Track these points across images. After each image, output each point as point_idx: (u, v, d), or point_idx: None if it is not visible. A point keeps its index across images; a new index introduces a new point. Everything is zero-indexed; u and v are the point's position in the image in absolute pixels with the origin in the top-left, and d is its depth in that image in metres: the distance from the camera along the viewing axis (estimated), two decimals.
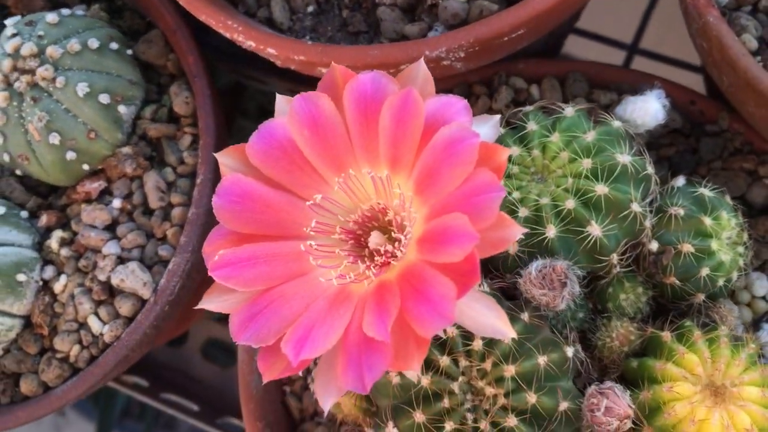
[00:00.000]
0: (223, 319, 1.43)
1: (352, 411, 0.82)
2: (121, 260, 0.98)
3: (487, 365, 0.72)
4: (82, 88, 0.96)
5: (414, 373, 0.67)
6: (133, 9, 1.11)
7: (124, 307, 0.97)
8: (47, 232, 1.02)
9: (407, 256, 0.65)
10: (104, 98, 0.98)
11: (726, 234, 0.80)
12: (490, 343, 0.73)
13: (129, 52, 1.04)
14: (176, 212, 0.99)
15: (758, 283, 0.88)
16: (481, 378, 0.73)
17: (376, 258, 0.66)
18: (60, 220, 1.03)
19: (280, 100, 0.72)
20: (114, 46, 1.02)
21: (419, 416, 0.71)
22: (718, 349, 0.74)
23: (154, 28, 1.08)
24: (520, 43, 0.93)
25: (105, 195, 1.02)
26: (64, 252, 1.00)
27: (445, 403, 0.72)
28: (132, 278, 0.96)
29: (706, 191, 0.81)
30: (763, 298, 0.89)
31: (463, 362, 0.73)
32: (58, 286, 0.99)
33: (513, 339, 0.72)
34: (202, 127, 1.00)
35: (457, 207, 0.61)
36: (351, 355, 0.61)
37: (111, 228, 1.00)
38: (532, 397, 0.71)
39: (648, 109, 0.80)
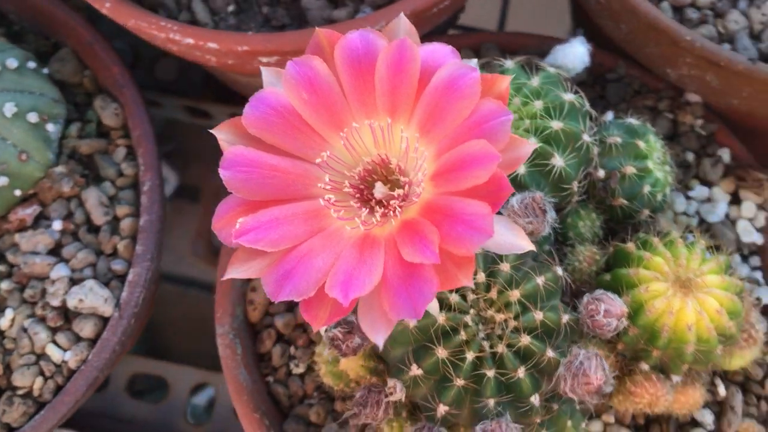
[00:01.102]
0: (148, 352, 1.38)
1: (359, 373, 0.84)
2: (73, 282, 0.94)
3: (493, 294, 0.78)
4: (9, 109, 0.92)
5: (435, 309, 0.71)
6: (34, 32, 1.07)
7: (86, 328, 0.93)
8: None
9: (423, 195, 0.69)
10: (32, 117, 0.94)
11: (656, 155, 0.91)
12: (492, 273, 0.78)
13: (45, 71, 1.01)
14: (125, 224, 0.97)
15: (678, 201, 1.00)
16: (490, 307, 0.78)
17: (392, 202, 0.69)
18: None
19: (266, 72, 0.74)
20: (32, 65, 0.99)
21: (441, 351, 0.75)
22: (676, 249, 0.84)
23: (60, 48, 1.05)
24: (442, 16, 1.00)
25: (40, 220, 0.98)
26: (5, 285, 0.95)
27: (462, 335, 0.76)
28: (91, 296, 0.93)
29: (633, 120, 0.92)
30: (684, 213, 1.01)
31: (471, 296, 0.78)
32: (4, 322, 0.93)
33: (511, 267, 0.78)
34: (139, 135, 0.99)
35: (469, 136, 0.66)
36: (396, 288, 0.64)
37: (55, 252, 0.96)
38: (539, 315, 0.77)
39: (576, 53, 0.90)
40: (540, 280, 0.78)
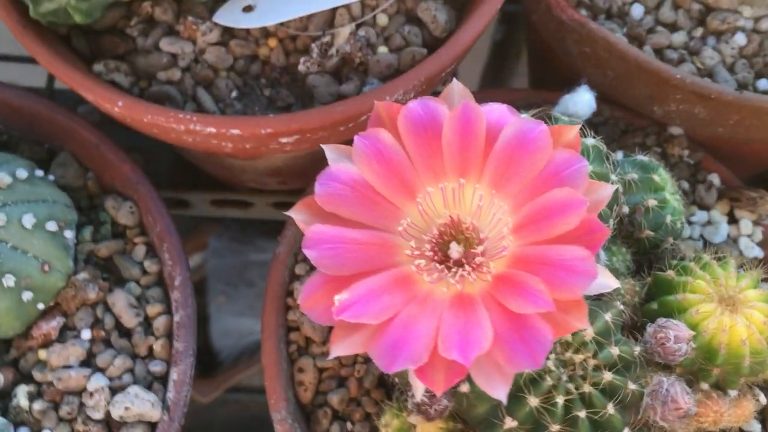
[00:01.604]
0: None
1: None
2: (113, 390, 0.90)
3: (568, 336, 0.80)
4: (29, 220, 0.88)
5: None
6: (25, 140, 1.03)
7: None
8: (6, 392, 0.90)
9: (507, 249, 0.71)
10: (51, 225, 0.91)
11: (669, 185, 0.97)
12: None
13: (51, 177, 0.97)
14: (158, 323, 0.93)
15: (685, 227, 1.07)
16: (567, 349, 0.80)
17: (476, 259, 0.71)
18: (16, 375, 0.91)
19: (329, 150, 0.75)
20: (39, 173, 0.95)
21: (533, 400, 0.76)
22: (713, 270, 0.89)
23: (57, 153, 1.02)
24: (445, 81, 1.04)
25: (65, 331, 0.93)
26: (38, 406, 0.89)
27: (548, 381, 0.77)
28: (138, 402, 0.88)
29: (642, 157, 0.98)
30: (690, 237, 1.07)
31: None
32: None
33: None
34: (161, 230, 0.96)
35: (548, 187, 0.69)
36: (511, 341, 0.65)
37: (87, 362, 0.91)
38: (615, 350, 0.79)
39: (584, 100, 0.95)
40: (608, 317, 0.81)
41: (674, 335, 0.80)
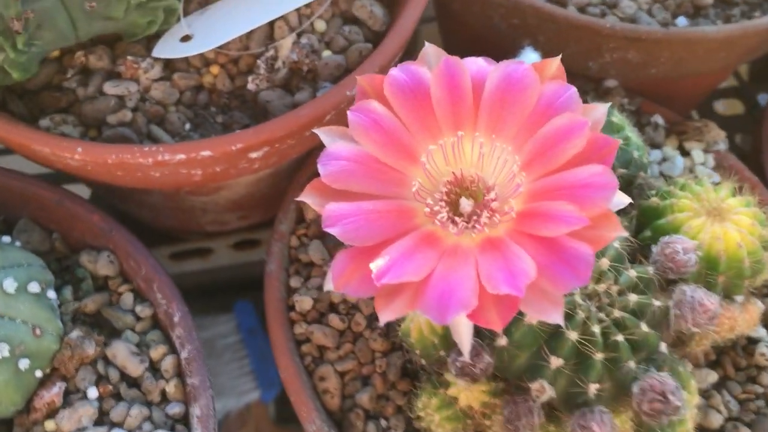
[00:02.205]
0: None
1: (483, 400, 0.82)
2: None
3: None
4: (10, 285, 0.83)
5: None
6: None
7: None
8: None
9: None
10: (34, 287, 0.86)
11: (626, 124, 1.01)
12: None
13: (18, 243, 0.92)
14: (165, 365, 0.89)
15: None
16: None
17: (493, 204, 0.71)
18: None
19: (322, 134, 0.75)
20: (6, 239, 0.90)
21: (573, 334, 0.77)
22: (692, 189, 0.93)
23: (15, 221, 0.97)
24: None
25: (68, 395, 0.87)
26: None
27: (580, 314, 0.78)
28: None
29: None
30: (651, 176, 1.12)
31: None
32: None
33: None
34: (147, 271, 0.92)
35: (546, 119, 0.71)
36: (552, 266, 0.66)
37: (100, 422, 0.86)
38: (632, 272, 0.81)
39: (533, 60, 0.99)
40: (617, 244, 0.83)
41: (681, 247, 0.83)
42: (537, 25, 1.09)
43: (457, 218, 0.71)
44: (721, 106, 1.75)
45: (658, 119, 1.14)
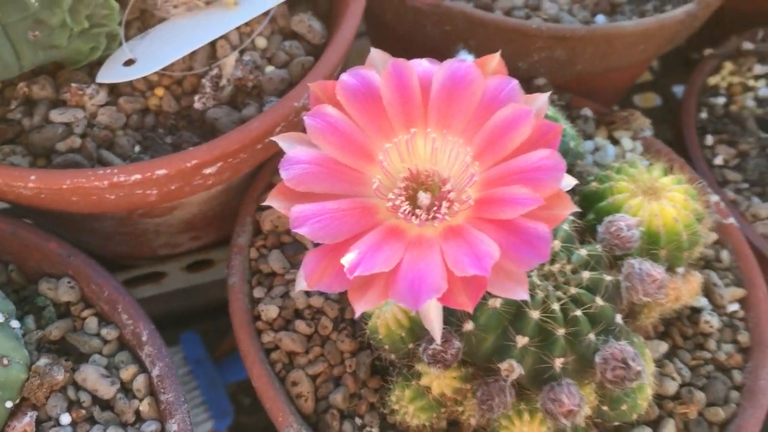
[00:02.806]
0: None
1: (455, 386, 0.85)
2: None
3: None
4: None
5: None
6: None
7: None
8: None
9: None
10: None
11: (560, 117, 1.07)
12: None
13: None
14: (137, 384, 0.89)
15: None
16: (543, 264, 0.85)
17: (450, 195, 0.75)
18: None
19: (281, 141, 0.77)
20: None
21: (534, 313, 0.81)
22: (627, 171, 0.99)
23: None
24: None
25: (41, 424, 0.86)
26: None
27: (539, 294, 0.82)
28: None
29: None
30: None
31: None
32: None
33: None
34: (110, 293, 0.93)
35: (491, 111, 0.75)
36: (515, 245, 0.69)
37: None
38: (583, 251, 0.86)
39: None
40: (566, 226, 0.88)
41: (625, 224, 0.88)
42: (468, 30, 1.14)
43: (417, 211, 0.75)
44: (638, 100, 1.84)
45: (588, 112, 1.21)
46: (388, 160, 0.77)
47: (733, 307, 1.06)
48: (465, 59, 0.78)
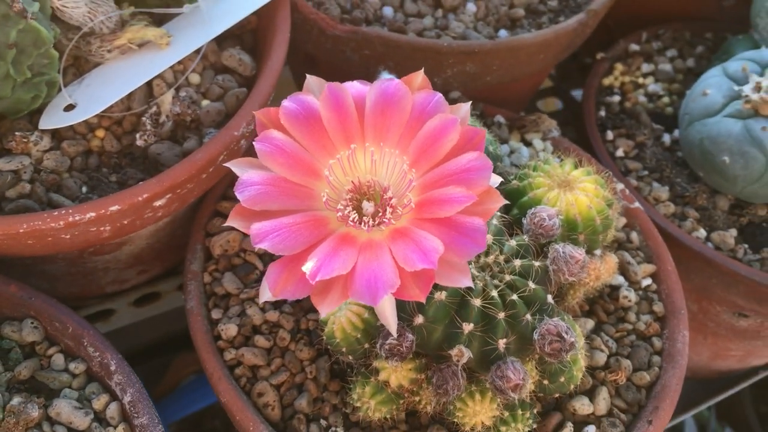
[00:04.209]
0: None
1: (411, 377, 0.93)
2: None
3: None
4: None
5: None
6: None
7: None
8: None
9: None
10: None
11: (477, 123, 1.17)
12: None
13: None
14: (110, 412, 0.93)
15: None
16: (479, 257, 0.94)
17: (392, 201, 0.83)
18: None
19: (234, 167, 0.83)
20: None
21: (476, 301, 0.89)
22: (543, 168, 1.09)
23: None
24: None
25: None
26: None
27: (479, 284, 0.91)
28: None
29: None
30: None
31: None
32: None
33: None
34: (73, 330, 0.97)
35: (420, 123, 0.84)
36: (455, 240, 0.78)
37: None
38: (512, 242, 0.96)
39: None
40: (495, 221, 0.97)
41: (546, 215, 0.98)
42: (385, 52, 1.23)
43: (365, 218, 0.82)
44: (541, 105, 1.98)
45: (500, 119, 1.32)
46: (333, 175, 0.85)
47: (647, 281, 1.18)
48: (392, 78, 0.86)
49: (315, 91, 0.89)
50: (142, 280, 1.32)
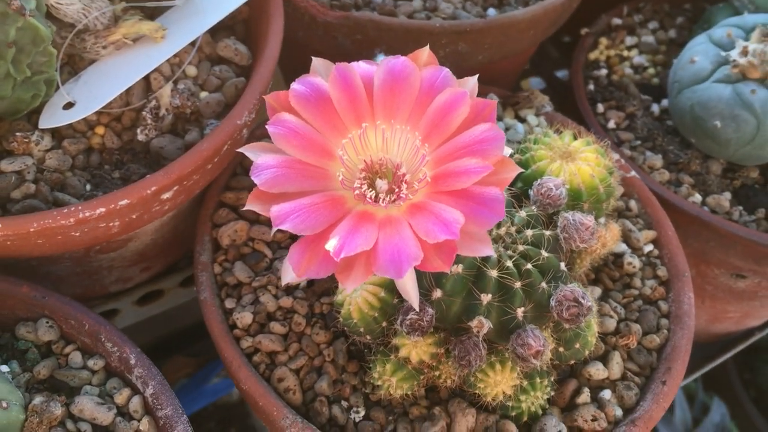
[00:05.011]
0: None
1: (431, 352, 0.94)
2: None
3: None
4: None
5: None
6: None
7: None
8: None
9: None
10: None
11: None
12: None
13: None
14: (133, 406, 0.93)
15: None
16: (490, 230, 0.95)
17: (406, 177, 0.84)
18: None
19: (249, 151, 0.84)
20: None
21: (493, 272, 0.91)
22: (543, 140, 1.11)
23: None
24: None
25: None
26: None
27: (494, 255, 0.92)
28: None
29: None
30: None
31: None
32: None
33: None
34: (90, 327, 0.96)
35: (430, 98, 0.85)
36: (474, 211, 0.79)
37: None
38: (522, 213, 0.97)
39: None
40: (506, 194, 0.98)
41: (553, 185, 0.99)
42: (377, 36, 1.24)
43: (380, 195, 0.83)
44: (524, 85, 2.00)
45: (493, 96, 1.33)
46: (346, 155, 0.85)
47: (648, 247, 1.20)
48: (400, 56, 0.87)
49: (322, 72, 0.89)
50: (145, 278, 1.32)
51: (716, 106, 1.26)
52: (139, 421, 0.93)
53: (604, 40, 1.59)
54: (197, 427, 1.53)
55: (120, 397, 0.94)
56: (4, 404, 0.86)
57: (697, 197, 1.33)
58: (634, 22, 1.63)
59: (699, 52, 1.32)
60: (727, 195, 1.34)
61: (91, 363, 0.96)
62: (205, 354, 1.79)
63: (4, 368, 0.91)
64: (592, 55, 1.57)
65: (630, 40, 1.59)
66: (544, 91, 2.02)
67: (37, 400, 0.90)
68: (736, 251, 1.29)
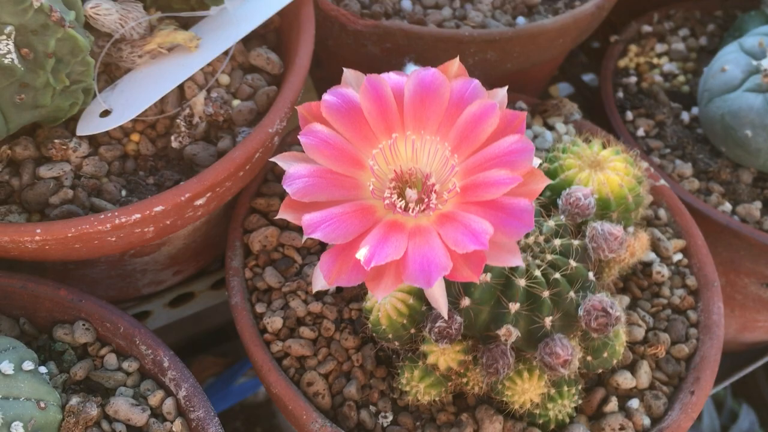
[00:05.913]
0: None
1: (459, 359, 0.94)
2: None
3: None
4: (7, 366, 0.87)
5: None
6: None
7: None
8: None
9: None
10: (27, 365, 0.90)
11: None
12: None
13: None
14: (167, 407, 0.95)
15: None
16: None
17: (436, 187, 0.85)
18: None
19: (281, 161, 0.85)
20: None
21: (521, 281, 0.91)
22: (571, 149, 1.11)
23: None
24: None
25: None
26: None
27: (522, 264, 0.93)
28: None
29: None
30: None
31: None
32: None
33: None
34: (125, 329, 0.98)
35: (460, 109, 0.86)
36: (503, 221, 0.80)
37: None
38: (551, 222, 0.97)
39: None
40: (535, 203, 0.99)
41: (582, 194, 1.00)
42: (407, 44, 1.25)
43: (410, 204, 0.84)
44: (552, 91, 2.00)
45: (522, 104, 1.33)
46: (376, 165, 0.87)
47: (678, 257, 1.20)
48: (429, 67, 0.88)
49: (352, 83, 0.90)
50: (176, 281, 1.34)
51: (747, 116, 1.26)
52: (172, 422, 0.95)
53: (633, 48, 1.58)
54: (223, 427, 1.56)
55: (154, 399, 0.96)
56: (42, 405, 0.88)
57: (727, 206, 1.33)
58: (665, 30, 1.63)
59: (730, 60, 1.32)
60: (758, 204, 1.33)
61: (125, 365, 0.98)
62: (233, 354, 1.82)
63: (42, 369, 0.93)
64: (622, 63, 1.57)
65: (660, 48, 1.59)
66: (571, 96, 2.03)
67: (74, 400, 0.92)
68: (767, 260, 1.29)
